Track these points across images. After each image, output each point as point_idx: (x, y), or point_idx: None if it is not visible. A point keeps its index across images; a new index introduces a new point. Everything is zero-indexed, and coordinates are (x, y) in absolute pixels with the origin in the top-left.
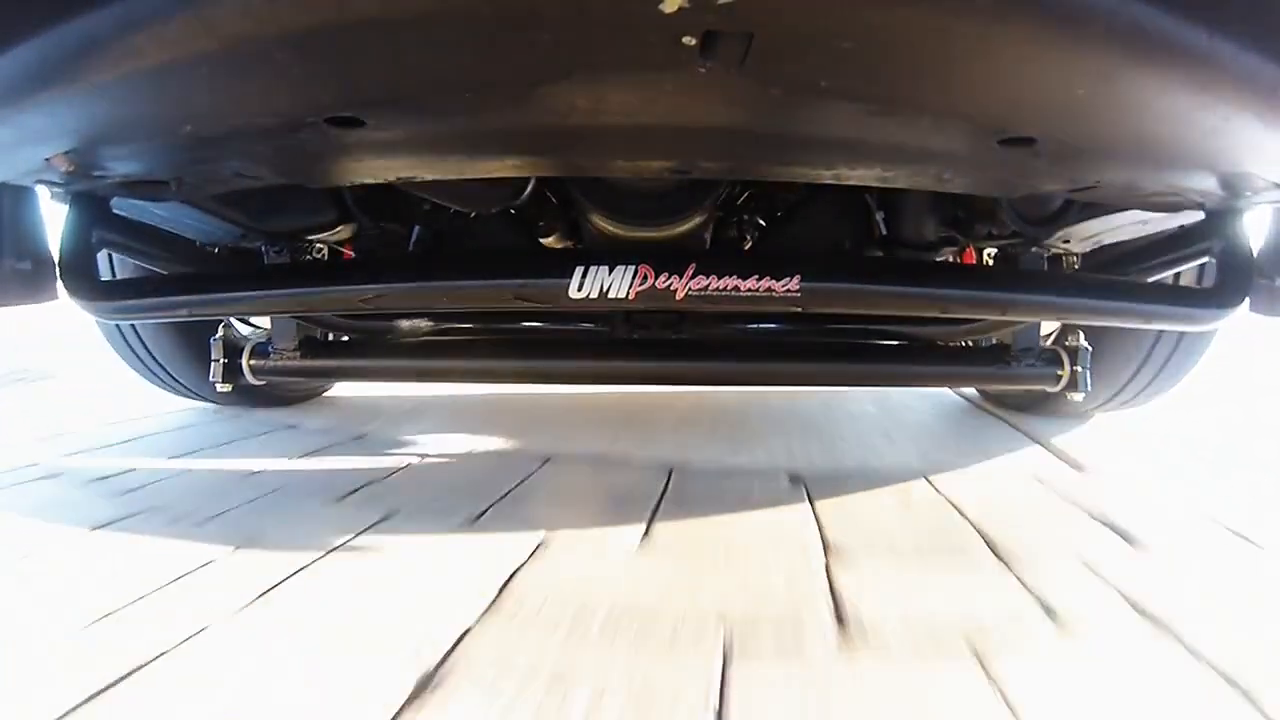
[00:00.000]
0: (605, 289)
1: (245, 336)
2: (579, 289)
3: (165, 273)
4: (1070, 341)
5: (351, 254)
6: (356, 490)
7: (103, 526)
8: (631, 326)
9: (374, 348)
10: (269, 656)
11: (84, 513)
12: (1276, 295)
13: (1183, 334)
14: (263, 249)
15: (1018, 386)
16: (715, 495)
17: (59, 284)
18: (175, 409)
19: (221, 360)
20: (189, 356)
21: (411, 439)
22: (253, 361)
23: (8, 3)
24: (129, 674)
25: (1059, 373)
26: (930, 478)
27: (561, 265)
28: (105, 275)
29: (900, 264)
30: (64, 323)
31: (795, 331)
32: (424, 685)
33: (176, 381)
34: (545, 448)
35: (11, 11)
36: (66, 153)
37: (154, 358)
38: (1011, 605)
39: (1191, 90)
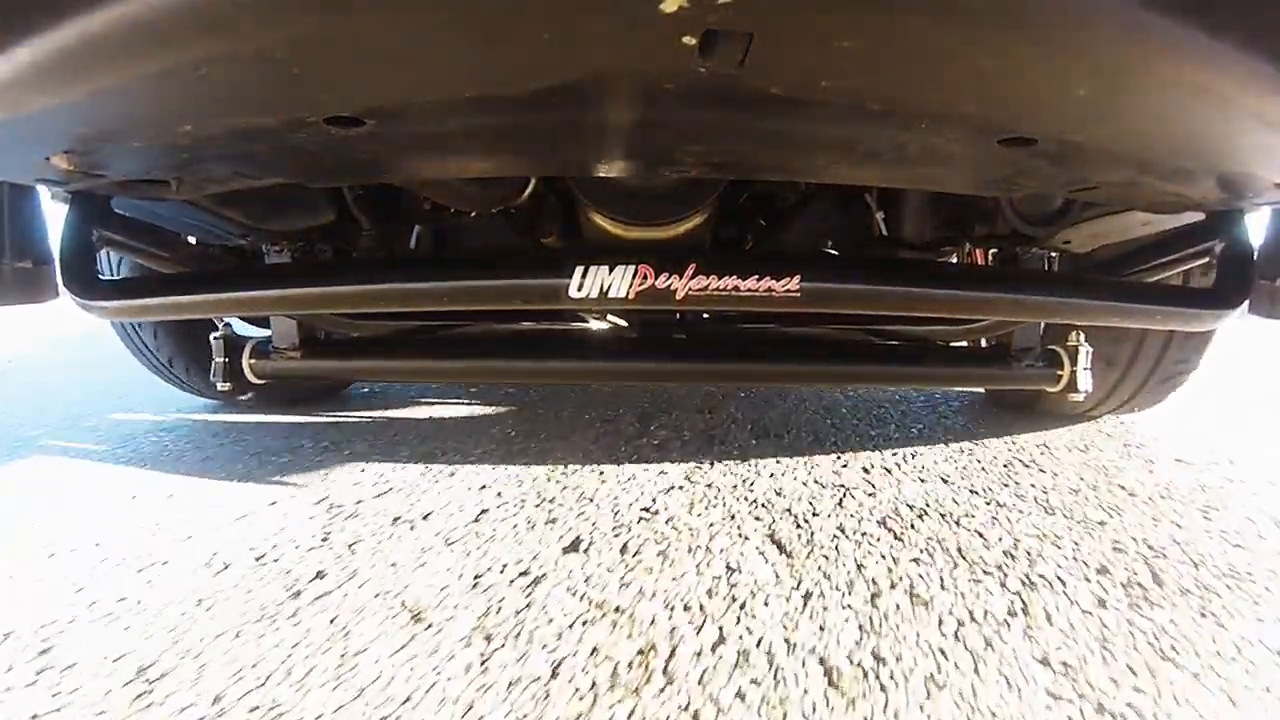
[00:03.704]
0: (605, 289)
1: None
2: (579, 289)
3: (165, 272)
4: (1070, 341)
5: (352, 254)
6: None
7: None
8: (632, 326)
9: (375, 347)
10: None
11: None
12: (1276, 296)
13: (1173, 334)
14: (263, 249)
15: (1018, 387)
16: None
17: (59, 283)
18: None
19: (223, 360)
20: (200, 355)
21: None
22: (253, 361)
23: (8, 3)
24: None
25: (1059, 373)
26: None
27: (561, 265)
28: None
29: (900, 264)
30: None
31: (795, 332)
32: None
33: (184, 379)
34: None
35: (11, 11)
36: (66, 152)
37: (163, 356)
38: None
39: (1192, 90)
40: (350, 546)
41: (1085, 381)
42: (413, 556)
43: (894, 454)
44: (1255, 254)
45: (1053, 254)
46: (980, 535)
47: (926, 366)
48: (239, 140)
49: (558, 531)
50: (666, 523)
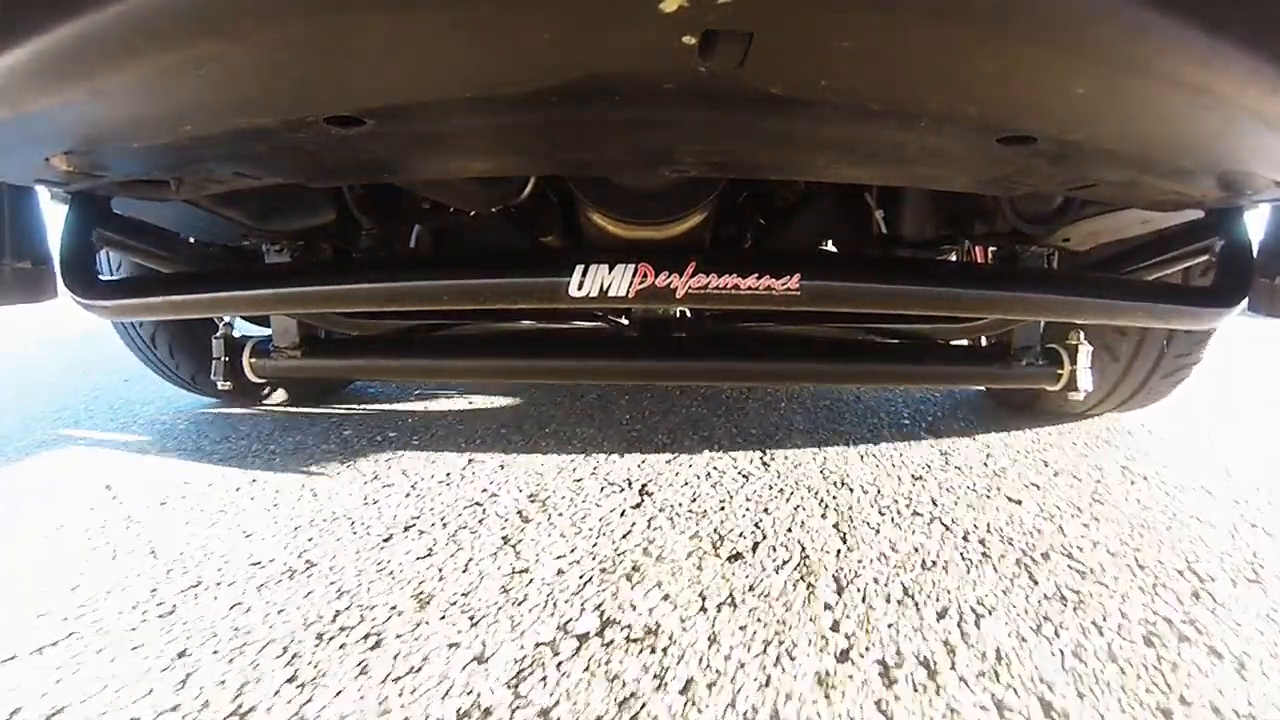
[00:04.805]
0: (605, 288)
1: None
2: (579, 288)
3: (165, 272)
4: (1070, 340)
5: (352, 254)
6: None
7: None
8: (632, 325)
9: (375, 346)
10: None
11: None
12: (1276, 294)
13: (1172, 331)
14: (263, 248)
15: (1018, 386)
16: None
17: (59, 283)
18: None
19: (223, 359)
20: (203, 355)
21: None
22: (253, 360)
23: (8, 3)
24: None
25: (1059, 372)
26: None
27: (561, 264)
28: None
29: (900, 263)
30: None
31: (794, 331)
32: None
33: (188, 379)
34: None
35: (12, 11)
36: (66, 153)
37: (163, 355)
38: None
39: (1192, 90)
40: None
41: (1085, 380)
42: None
43: (940, 615)
44: (1255, 252)
45: (1052, 252)
46: None
47: (927, 365)
48: (239, 140)
49: None
50: None
